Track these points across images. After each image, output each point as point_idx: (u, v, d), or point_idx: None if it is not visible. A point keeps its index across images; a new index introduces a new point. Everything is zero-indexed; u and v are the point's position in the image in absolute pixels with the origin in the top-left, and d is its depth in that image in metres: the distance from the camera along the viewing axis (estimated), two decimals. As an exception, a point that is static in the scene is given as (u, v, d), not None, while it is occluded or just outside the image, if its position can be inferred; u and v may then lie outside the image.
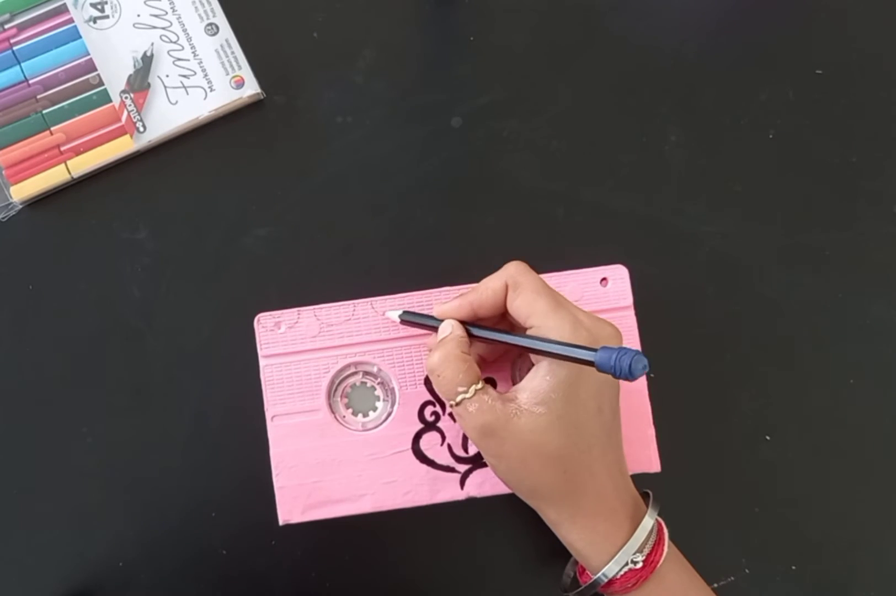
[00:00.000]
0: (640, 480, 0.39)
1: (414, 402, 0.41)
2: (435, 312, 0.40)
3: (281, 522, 0.41)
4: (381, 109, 0.46)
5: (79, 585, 0.43)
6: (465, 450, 0.41)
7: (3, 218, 0.45)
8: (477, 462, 0.41)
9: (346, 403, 0.42)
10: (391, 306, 0.42)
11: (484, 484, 0.41)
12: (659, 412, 0.41)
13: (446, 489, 0.41)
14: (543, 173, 0.46)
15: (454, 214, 0.45)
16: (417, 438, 0.41)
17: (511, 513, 0.44)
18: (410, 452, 0.41)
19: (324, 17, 0.46)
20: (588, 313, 0.37)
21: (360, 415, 0.42)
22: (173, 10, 0.45)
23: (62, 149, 0.44)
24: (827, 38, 0.47)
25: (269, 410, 0.41)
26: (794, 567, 0.44)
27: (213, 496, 0.44)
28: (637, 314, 0.41)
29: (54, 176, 0.44)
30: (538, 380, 0.36)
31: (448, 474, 0.41)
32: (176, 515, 0.44)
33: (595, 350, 0.33)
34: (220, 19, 0.45)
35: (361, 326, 0.42)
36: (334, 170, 0.46)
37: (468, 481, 0.41)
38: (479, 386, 0.37)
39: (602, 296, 0.42)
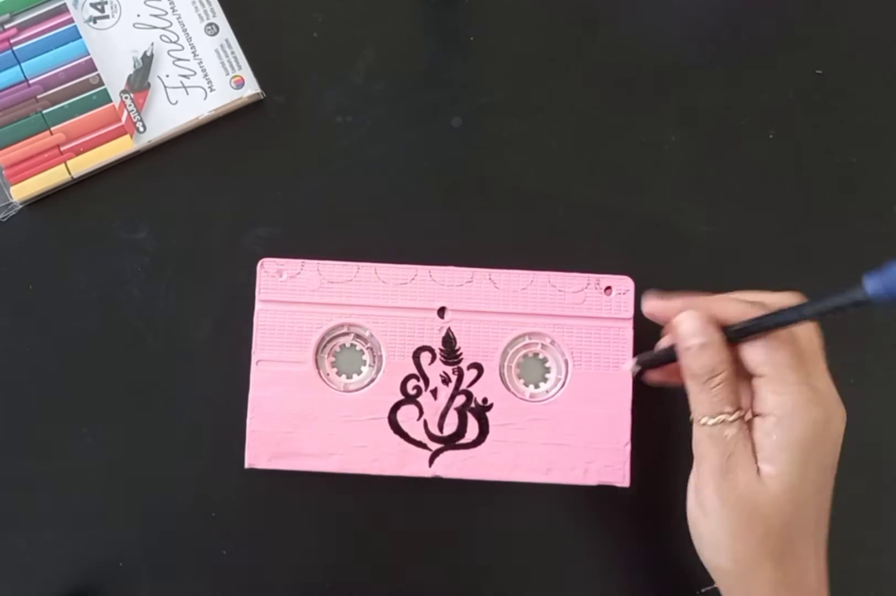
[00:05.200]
0: (642, 481, 0.39)
1: (399, 372, 0.42)
2: (680, 304, 0.34)
3: (247, 466, 0.41)
4: (381, 109, 0.46)
5: (79, 585, 0.43)
6: (441, 429, 0.41)
7: (3, 218, 0.45)
8: (449, 443, 0.41)
9: (332, 361, 0.42)
10: (395, 274, 0.42)
11: (452, 466, 0.41)
12: (661, 411, 0.41)
13: (414, 464, 0.41)
14: (543, 173, 0.46)
15: (454, 215, 0.45)
16: (395, 408, 0.41)
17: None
18: (386, 420, 0.41)
19: (324, 17, 0.46)
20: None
21: (343, 376, 0.42)
22: (173, 10, 0.45)
23: (62, 149, 0.44)
24: (827, 38, 0.47)
25: (256, 353, 0.41)
26: (793, 567, 0.44)
27: (213, 496, 0.44)
28: (635, 322, 0.41)
29: (54, 176, 0.44)
30: (761, 433, 0.32)
31: (418, 450, 0.41)
32: (176, 514, 0.44)
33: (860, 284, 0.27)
34: (220, 19, 0.45)
35: (361, 289, 0.42)
36: (334, 170, 0.46)
37: (437, 461, 0.41)
38: (743, 413, 0.32)
39: (604, 304, 0.42)
